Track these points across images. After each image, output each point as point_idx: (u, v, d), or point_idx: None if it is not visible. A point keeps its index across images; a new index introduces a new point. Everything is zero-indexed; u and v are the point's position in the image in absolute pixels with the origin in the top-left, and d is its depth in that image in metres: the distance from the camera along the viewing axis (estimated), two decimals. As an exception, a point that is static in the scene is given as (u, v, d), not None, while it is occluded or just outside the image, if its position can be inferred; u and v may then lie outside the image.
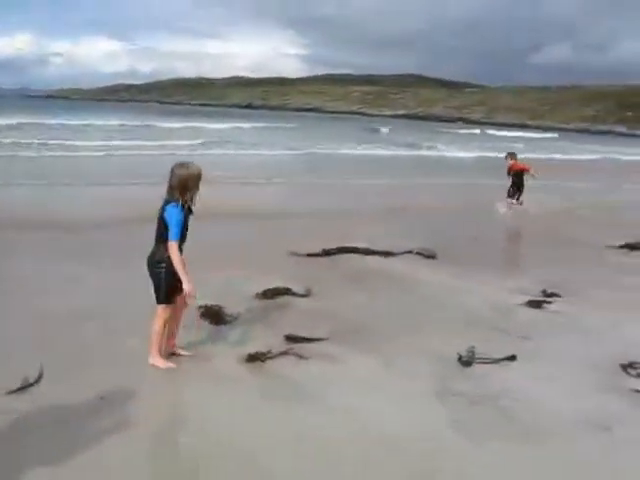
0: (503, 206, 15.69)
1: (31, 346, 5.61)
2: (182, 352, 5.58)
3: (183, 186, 5.01)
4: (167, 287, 5.14)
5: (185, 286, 5.02)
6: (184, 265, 5.04)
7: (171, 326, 5.43)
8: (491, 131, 75.22)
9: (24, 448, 4.05)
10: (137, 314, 5.98)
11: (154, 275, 5.16)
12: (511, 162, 16.18)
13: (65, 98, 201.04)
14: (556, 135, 71.90)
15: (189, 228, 5.18)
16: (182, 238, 5.10)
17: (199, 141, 31.55)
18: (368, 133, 53.87)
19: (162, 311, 5.23)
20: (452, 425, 4.61)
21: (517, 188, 15.91)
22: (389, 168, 25.87)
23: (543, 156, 33.62)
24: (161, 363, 5.30)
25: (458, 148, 39.44)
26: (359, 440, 4.33)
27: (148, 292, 5.28)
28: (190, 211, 5.14)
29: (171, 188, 5.05)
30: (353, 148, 34.57)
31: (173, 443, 4.35)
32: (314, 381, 5.22)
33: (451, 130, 70.57)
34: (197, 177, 5.08)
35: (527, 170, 15.95)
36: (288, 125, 57.06)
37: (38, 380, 4.94)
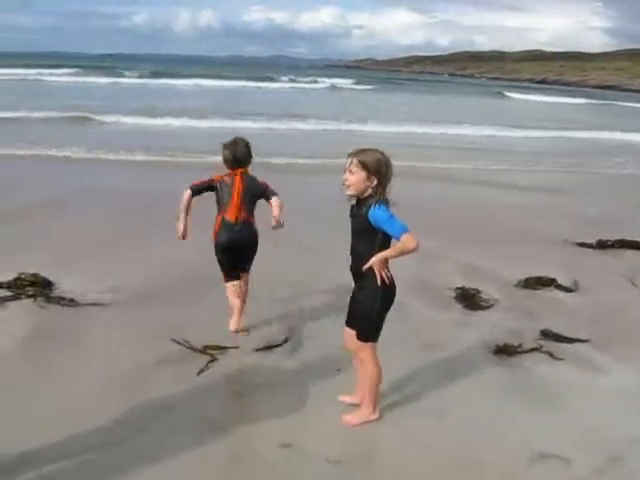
0: None
1: (283, 312, 5.87)
2: None
3: None
4: None
5: None
6: None
7: None
8: None
9: (259, 402, 4.26)
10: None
11: None
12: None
13: (359, 68, 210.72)
14: None
15: None
16: None
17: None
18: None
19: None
20: None
21: None
22: None
23: None
24: None
25: None
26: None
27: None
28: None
29: None
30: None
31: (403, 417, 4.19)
32: (561, 385, 4.75)
33: None
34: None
35: None
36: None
37: (284, 342, 5.18)
